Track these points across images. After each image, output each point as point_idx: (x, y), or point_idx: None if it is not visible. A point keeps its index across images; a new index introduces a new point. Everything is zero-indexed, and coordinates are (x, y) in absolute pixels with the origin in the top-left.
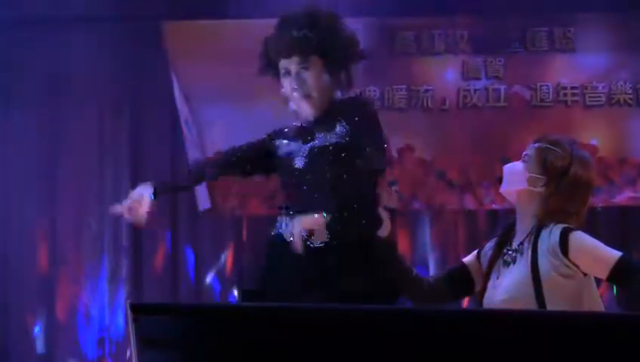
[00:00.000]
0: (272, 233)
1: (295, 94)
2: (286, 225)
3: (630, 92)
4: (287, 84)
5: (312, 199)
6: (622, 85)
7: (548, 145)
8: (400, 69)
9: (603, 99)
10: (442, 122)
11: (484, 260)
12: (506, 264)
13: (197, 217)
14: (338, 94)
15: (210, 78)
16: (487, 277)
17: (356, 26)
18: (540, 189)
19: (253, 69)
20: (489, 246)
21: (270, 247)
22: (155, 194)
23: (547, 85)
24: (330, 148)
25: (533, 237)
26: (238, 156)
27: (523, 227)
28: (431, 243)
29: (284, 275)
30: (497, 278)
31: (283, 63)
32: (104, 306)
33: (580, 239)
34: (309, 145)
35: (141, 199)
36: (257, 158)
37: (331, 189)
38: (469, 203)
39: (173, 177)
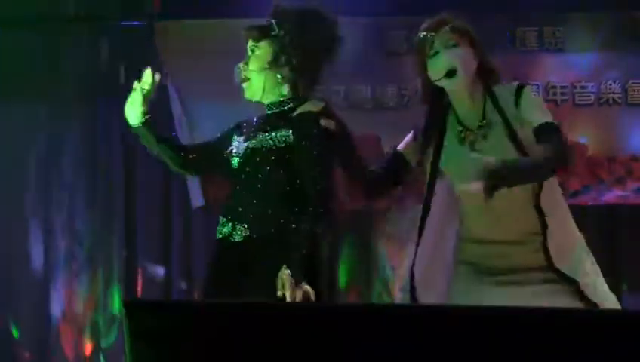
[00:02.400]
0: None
1: (237, 72)
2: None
3: (619, 91)
4: None
5: (243, 198)
6: (611, 85)
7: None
8: (392, 68)
9: (592, 98)
10: None
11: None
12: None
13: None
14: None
15: (202, 77)
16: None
17: (347, 25)
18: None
19: None
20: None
21: (214, 252)
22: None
23: (537, 84)
24: (264, 150)
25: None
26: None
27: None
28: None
29: (222, 278)
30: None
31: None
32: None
33: (530, 92)
34: (245, 143)
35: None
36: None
37: (260, 190)
38: None
39: (166, 177)
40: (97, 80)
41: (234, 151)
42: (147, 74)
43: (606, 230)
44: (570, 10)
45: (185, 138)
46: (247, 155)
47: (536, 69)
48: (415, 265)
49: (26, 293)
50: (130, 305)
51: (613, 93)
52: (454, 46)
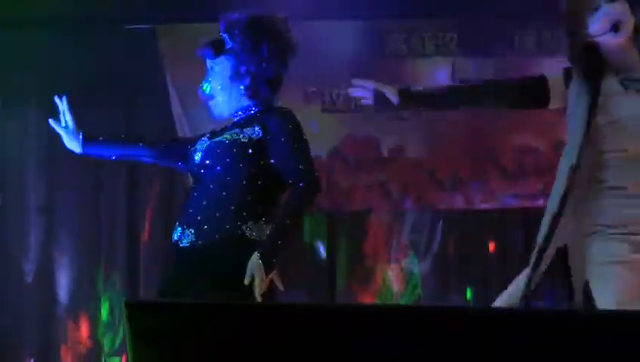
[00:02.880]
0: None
1: (201, 92)
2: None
3: None
4: None
5: (195, 195)
6: None
7: None
8: (391, 71)
9: None
10: (432, 123)
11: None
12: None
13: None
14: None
15: (201, 80)
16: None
17: (347, 29)
18: None
19: None
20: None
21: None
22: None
23: None
24: (227, 142)
25: None
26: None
27: None
28: (422, 241)
29: (169, 284)
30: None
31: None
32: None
33: None
34: (210, 140)
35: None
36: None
37: (213, 191)
38: (458, 202)
39: (165, 172)
40: (102, 81)
41: (198, 146)
42: (58, 103)
43: None
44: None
45: (184, 135)
46: (211, 148)
47: (534, 72)
48: None
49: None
50: (131, 305)
51: None
52: (613, 0)
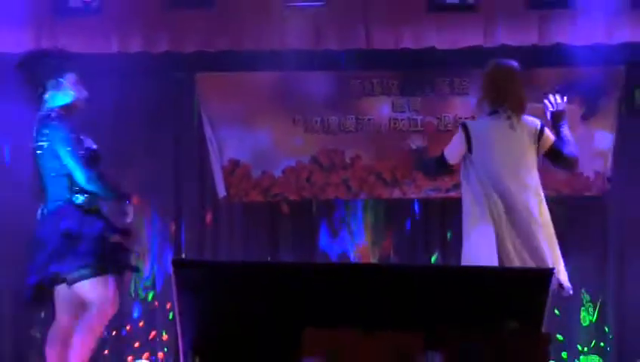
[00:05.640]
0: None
1: None
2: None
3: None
4: None
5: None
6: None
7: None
8: (351, 105)
9: None
10: (379, 140)
11: None
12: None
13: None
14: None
15: (227, 110)
16: None
17: (322, 77)
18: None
19: (256, 103)
20: None
21: None
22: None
23: (449, 116)
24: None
25: None
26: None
27: None
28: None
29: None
30: None
31: None
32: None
33: None
34: None
35: None
36: None
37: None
38: (397, 194)
39: (201, 171)
40: (152, 111)
41: None
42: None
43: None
44: (473, 67)
45: (215, 153)
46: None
47: (449, 107)
48: None
49: None
50: (178, 263)
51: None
52: None
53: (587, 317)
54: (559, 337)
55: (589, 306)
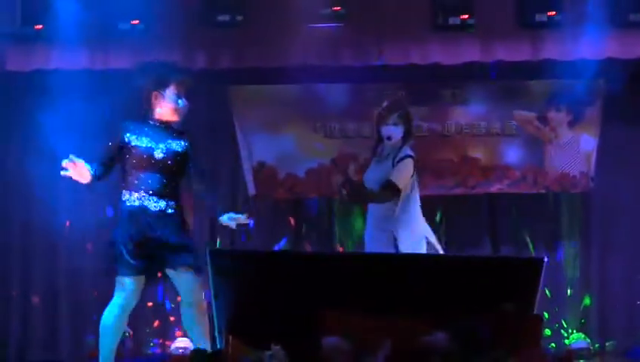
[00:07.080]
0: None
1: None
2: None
3: (499, 128)
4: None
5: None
6: (495, 123)
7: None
8: (365, 113)
9: (483, 131)
10: None
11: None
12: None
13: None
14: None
15: (256, 118)
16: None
17: (341, 89)
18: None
19: (281, 112)
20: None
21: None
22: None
23: (450, 123)
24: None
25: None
26: (110, 158)
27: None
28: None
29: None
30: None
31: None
32: None
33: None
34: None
35: (83, 167)
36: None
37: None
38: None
39: (234, 174)
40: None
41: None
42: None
43: (486, 215)
44: (473, 80)
45: (245, 156)
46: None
47: (451, 115)
48: None
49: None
50: (214, 252)
51: (496, 128)
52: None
53: (572, 293)
54: (546, 315)
55: (575, 287)
